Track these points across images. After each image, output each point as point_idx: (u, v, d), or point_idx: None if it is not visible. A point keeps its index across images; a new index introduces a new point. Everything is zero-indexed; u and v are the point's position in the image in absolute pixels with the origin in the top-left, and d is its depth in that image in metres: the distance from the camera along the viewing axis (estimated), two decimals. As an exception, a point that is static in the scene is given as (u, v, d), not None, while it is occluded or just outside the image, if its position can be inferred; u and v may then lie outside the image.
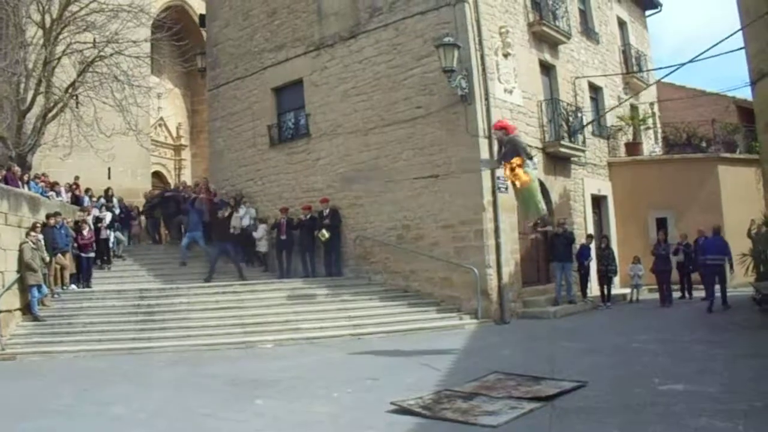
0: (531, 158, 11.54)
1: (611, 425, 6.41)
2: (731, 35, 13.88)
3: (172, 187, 26.81)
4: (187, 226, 19.53)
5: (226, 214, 18.31)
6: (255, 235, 18.86)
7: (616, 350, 10.90)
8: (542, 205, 11.75)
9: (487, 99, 16.13)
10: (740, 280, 17.93)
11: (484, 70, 16.26)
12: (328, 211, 17.84)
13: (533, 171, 11.43)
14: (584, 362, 9.90)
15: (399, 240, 17.01)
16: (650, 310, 16.89)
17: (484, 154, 15.70)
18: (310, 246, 18.02)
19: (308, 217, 18.10)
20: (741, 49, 14.85)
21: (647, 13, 27.93)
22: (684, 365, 9.20)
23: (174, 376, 10.51)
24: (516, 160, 11.09)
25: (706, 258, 16.41)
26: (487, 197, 15.78)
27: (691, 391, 7.53)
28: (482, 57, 16.29)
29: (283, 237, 18.36)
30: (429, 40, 16.45)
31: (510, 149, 11.40)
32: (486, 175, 15.75)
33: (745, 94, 25.11)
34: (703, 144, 23.76)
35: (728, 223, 19.00)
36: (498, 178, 15.88)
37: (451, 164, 16.13)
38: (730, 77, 67.82)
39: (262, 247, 18.93)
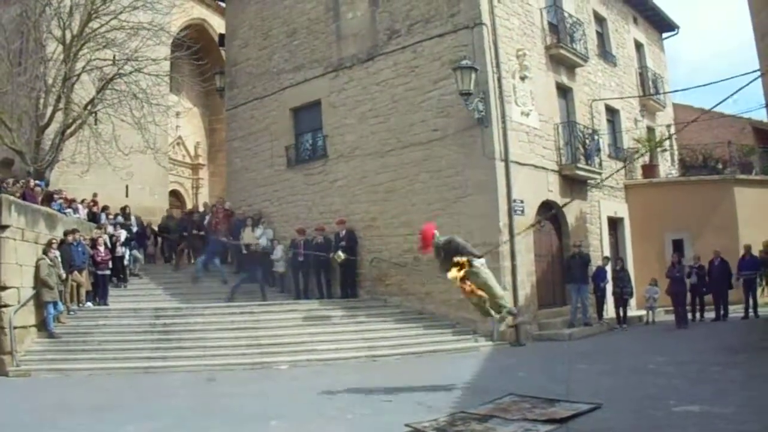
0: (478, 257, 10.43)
1: (627, 449, 6.39)
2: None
3: (189, 207, 27.02)
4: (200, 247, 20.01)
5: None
6: (273, 256, 18.86)
7: (632, 372, 10.83)
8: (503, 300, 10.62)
9: (503, 122, 16.19)
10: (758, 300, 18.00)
11: (501, 92, 16.34)
12: (344, 232, 17.79)
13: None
14: (600, 384, 9.86)
15: (415, 262, 16.94)
16: (666, 331, 16.80)
17: (501, 177, 15.78)
18: (327, 267, 18.03)
19: (324, 238, 18.08)
20: (756, 71, 14.80)
21: (664, 35, 27.89)
22: (700, 387, 9.14)
23: (189, 396, 10.53)
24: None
25: (743, 273, 17.87)
26: (503, 220, 15.77)
27: (707, 413, 7.47)
28: (499, 80, 16.37)
29: (301, 258, 18.34)
30: (446, 63, 16.53)
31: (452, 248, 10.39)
32: (502, 197, 15.81)
33: (761, 115, 25.22)
34: (720, 166, 23.73)
35: (744, 245, 18.89)
36: (514, 201, 15.92)
37: (467, 187, 16.16)
38: (747, 99, 67.51)
39: (280, 267, 18.95)
